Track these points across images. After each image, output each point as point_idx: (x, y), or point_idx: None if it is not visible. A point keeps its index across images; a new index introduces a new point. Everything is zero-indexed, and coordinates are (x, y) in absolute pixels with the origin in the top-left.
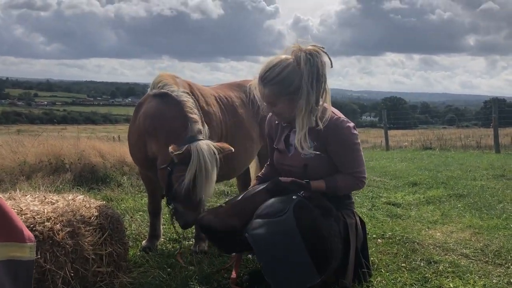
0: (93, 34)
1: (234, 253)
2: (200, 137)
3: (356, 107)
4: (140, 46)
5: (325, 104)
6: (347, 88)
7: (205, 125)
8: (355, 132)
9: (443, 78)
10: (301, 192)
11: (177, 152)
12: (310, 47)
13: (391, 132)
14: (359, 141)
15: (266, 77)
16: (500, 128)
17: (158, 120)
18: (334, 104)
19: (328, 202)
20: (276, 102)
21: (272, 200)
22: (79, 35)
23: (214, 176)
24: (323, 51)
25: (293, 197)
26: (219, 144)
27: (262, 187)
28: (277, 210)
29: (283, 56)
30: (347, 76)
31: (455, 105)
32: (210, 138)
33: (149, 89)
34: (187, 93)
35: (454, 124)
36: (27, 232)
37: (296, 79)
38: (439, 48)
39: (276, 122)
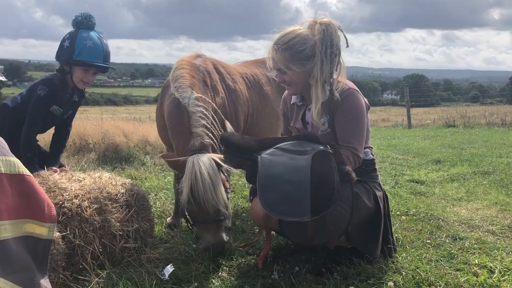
0: (111, 15)
1: (239, 169)
2: (203, 151)
3: (377, 85)
4: (158, 27)
5: (340, 78)
6: (367, 66)
7: (227, 123)
8: (363, 103)
9: (466, 54)
10: (330, 149)
11: (169, 159)
12: (325, 19)
13: (413, 110)
14: (365, 114)
15: (279, 42)
16: None
17: (171, 130)
18: (355, 82)
19: (352, 172)
20: (287, 68)
21: (297, 141)
22: (97, 17)
23: (218, 190)
24: (339, 28)
25: (320, 147)
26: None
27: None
28: (299, 150)
29: (298, 26)
30: (367, 53)
31: (479, 81)
32: (237, 116)
33: (170, 73)
34: (200, 97)
35: (478, 101)
36: (50, 212)
37: (309, 46)
38: (462, 23)
39: (292, 102)
